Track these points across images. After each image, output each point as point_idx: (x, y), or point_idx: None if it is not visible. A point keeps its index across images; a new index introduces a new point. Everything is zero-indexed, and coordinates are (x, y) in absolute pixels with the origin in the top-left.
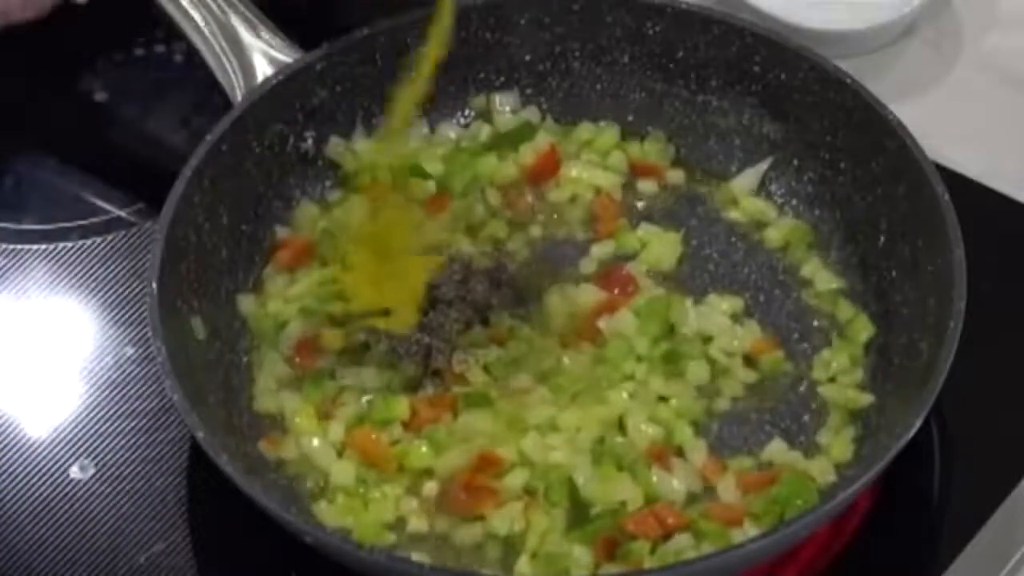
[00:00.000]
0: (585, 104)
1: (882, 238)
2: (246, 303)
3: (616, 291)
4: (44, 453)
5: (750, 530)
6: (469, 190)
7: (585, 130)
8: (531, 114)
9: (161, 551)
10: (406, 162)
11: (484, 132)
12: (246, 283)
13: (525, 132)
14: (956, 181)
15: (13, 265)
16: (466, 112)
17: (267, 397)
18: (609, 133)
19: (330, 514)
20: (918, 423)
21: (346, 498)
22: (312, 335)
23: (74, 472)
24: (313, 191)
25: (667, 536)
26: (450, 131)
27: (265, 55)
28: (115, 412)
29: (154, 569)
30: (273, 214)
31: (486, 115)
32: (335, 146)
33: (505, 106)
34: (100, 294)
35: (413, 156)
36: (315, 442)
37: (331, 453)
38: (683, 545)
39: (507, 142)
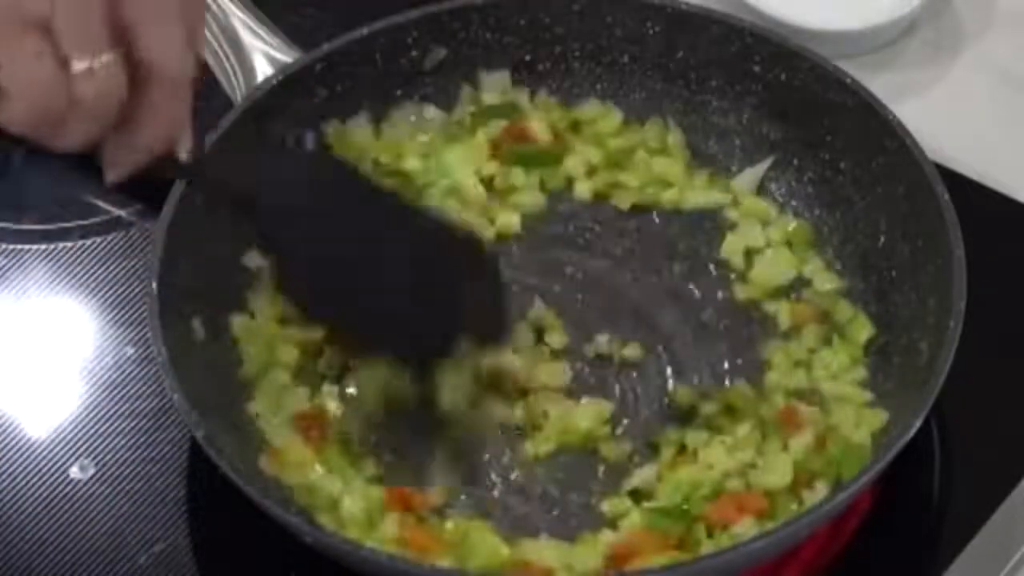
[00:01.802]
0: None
1: (882, 238)
2: (237, 324)
3: None
4: (44, 453)
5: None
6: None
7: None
8: (520, 95)
9: (161, 551)
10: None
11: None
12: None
13: (507, 110)
14: (956, 181)
15: (13, 265)
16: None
17: (276, 433)
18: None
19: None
20: (918, 423)
21: (355, 526)
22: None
23: (74, 472)
24: None
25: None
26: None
27: (265, 55)
28: (115, 412)
29: (154, 569)
30: None
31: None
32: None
33: (494, 89)
34: (100, 294)
35: (397, 149)
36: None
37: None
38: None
39: (485, 119)
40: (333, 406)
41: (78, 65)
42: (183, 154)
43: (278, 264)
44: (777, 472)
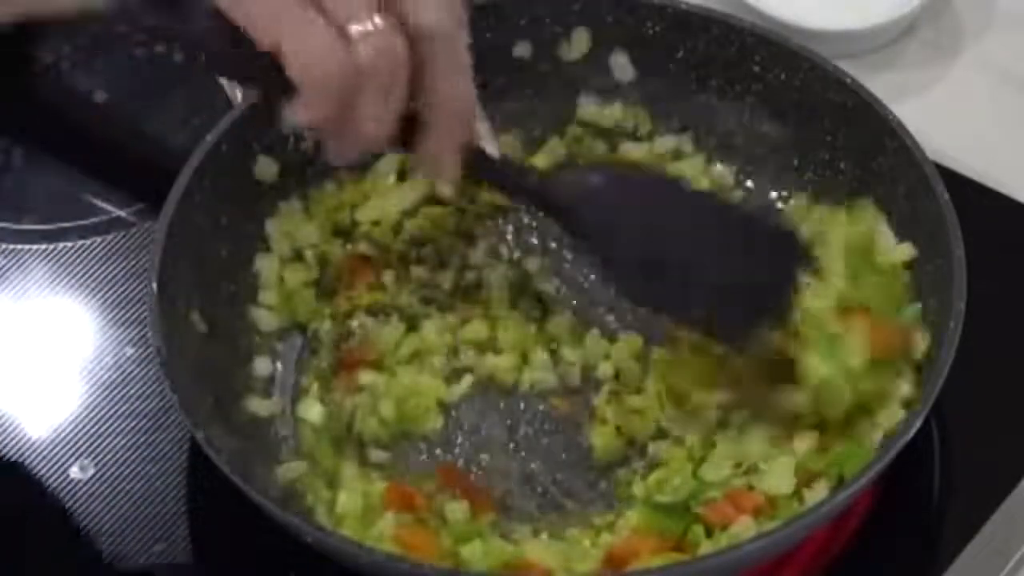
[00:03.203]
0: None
1: None
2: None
3: None
4: (44, 453)
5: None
6: None
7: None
8: None
9: (161, 551)
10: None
11: None
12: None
13: None
14: (956, 181)
15: (13, 265)
16: None
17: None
18: None
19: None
20: (918, 423)
21: (352, 522)
22: None
23: (74, 472)
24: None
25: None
26: None
27: None
28: (115, 412)
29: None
30: None
31: None
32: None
33: None
34: (100, 294)
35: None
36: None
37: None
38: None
39: None
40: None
41: (355, 28)
42: (489, 147)
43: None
44: (780, 477)
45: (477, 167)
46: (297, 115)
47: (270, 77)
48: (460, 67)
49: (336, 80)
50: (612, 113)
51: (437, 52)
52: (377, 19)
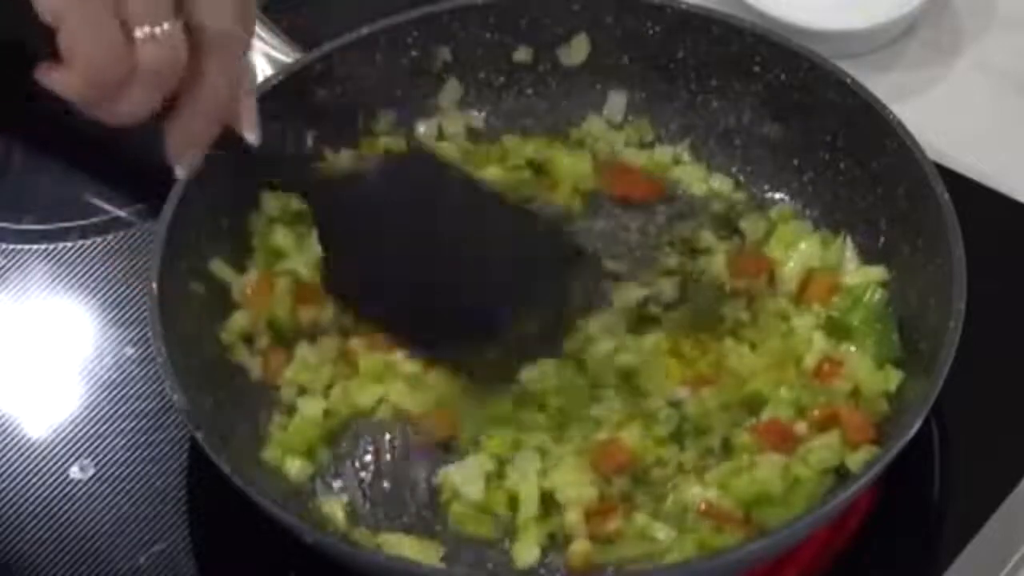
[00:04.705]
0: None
1: (882, 238)
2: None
3: None
4: (44, 453)
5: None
6: None
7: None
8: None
9: (161, 551)
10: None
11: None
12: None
13: None
14: (956, 181)
15: (13, 265)
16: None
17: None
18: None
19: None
20: (918, 423)
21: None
22: None
23: (74, 472)
24: None
25: None
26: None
27: (265, 55)
28: (115, 412)
29: (154, 569)
30: None
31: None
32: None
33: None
34: (100, 294)
35: None
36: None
37: None
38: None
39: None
40: None
41: (140, 31)
42: (249, 136)
43: (331, 259)
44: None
45: (229, 148)
46: (51, 82)
47: (39, 33)
48: (230, 80)
49: (107, 75)
50: (613, 129)
51: (215, 54)
52: (166, 25)
